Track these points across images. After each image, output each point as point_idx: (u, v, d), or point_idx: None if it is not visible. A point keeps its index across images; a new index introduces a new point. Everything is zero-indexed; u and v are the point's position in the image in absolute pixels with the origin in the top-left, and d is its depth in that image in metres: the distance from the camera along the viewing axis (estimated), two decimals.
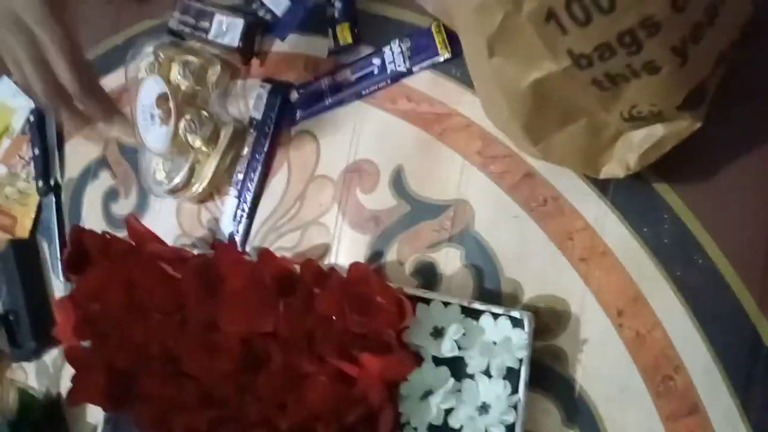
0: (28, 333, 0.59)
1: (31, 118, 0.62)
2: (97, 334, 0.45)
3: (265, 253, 0.41)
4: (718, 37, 0.26)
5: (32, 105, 0.63)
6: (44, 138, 0.61)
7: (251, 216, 0.49)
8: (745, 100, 0.35)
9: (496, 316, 0.37)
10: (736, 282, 0.34)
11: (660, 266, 0.36)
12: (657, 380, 0.35)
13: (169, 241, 0.53)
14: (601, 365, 0.37)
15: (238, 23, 0.51)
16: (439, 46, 0.44)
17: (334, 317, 0.37)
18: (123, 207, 0.57)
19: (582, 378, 0.37)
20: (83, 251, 0.48)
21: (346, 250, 0.45)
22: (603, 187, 0.38)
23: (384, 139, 0.46)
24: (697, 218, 0.35)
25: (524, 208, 0.40)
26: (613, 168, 0.33)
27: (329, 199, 0.47)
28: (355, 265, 0.39)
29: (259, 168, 0.49)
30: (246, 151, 0.50)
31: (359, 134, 0.47)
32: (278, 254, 0.48)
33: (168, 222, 0.54)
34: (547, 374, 0.37)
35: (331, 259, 0.46)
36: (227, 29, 0.51)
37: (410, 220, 0.44)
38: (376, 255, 0.44)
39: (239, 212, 0.49)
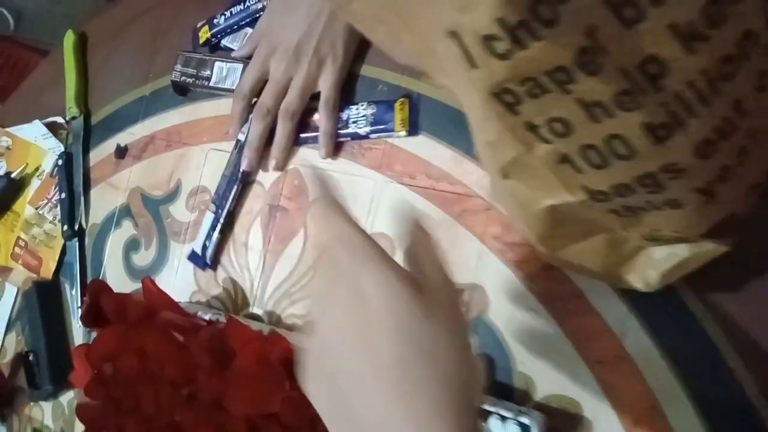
0: (46, 375, 0.60)
1: (60, 162, 0.63)
2: (109, 397, 0.45)
3: (273, 333, 0.41)
4: (749, 174, 0.25)
5: (62, 147, 0.64)
6: (71, 182, 0.62)
7: (223, 231, 0.52)
8: None
9: (504, 418, 0.36)
10: (763, 407, 0.32)
11: (681, 380, 0.34)
12: None
13: (185, 297, 0.54)
14: None
15: (238, 67, 0.52)
16: (396, 123, 0.45)
17: None
18: (143, 258, 0.57)
19: None
20: (100, 308, 0.49)
21: None
22: (626, 289, 0.36)
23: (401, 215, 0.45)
24: (725, 335, 0.34)
25: (541, 300, 0.39)
26: (634, 280, 0.32)
27: None
28: None
29: (235, 187, 0.51)
30: (228, 170, 0.52)
31: (376, 207, 0.46)
32: (289, 321, 0.48)
33: (185, 278, 0.54)
34: None
35: None
36: (227, 74, 0.53)
37: None
38: None
39: (215, 225, 0.51)
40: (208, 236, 0.51)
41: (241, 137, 0.51)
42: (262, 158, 0.51)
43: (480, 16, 0.19)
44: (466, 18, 0.19)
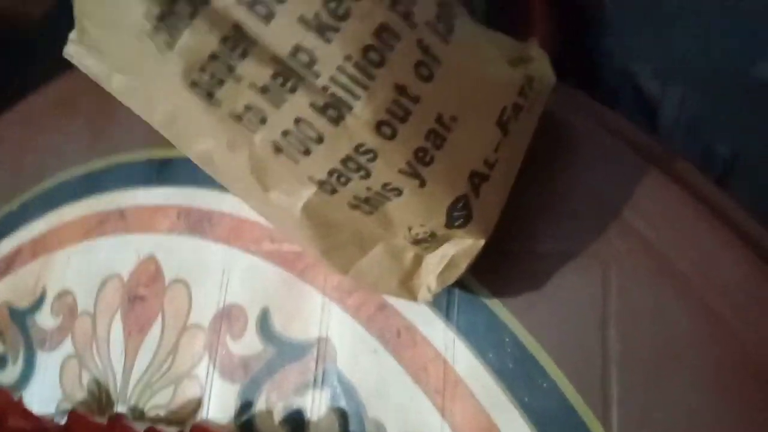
0: None
1: None
2: None
3: (118, 421, 0.40)
4: (459, 159, 0.27)
5: None
6: None
7: None
8: (563, 214, 0.36)
9: None
10: (579, 403, 0.33)
11: (508, 392, 0.35)
12: None
13: (52, 406, 0.51)
14: None
15: None
16: None
17: None
18: (10, 374, 0.55)
19: None
20: None
21: (217, 403, 0.44)
22: (448, 312, 0.38)
23: (251, 282, 0.46)
24: (534, 338, 0.35)
25: (381, 341, 0.40)
26: (424, 292, 0.33)
27: (201, 348, 0.46)
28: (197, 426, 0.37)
29: None
30: None
31: (228, 279, 0.47)
32: (152, 413, 0.46)
33: (51, 387, 0.52)
34: None
35: (203, 414, 0.44)
36: None
37: (276, 364, 0.42)
38: (245, 406, 0.43)
39: None
40: None
41: None
42: None
43: (133, 12, 0.21)
44: (127, 16, 0.22)
